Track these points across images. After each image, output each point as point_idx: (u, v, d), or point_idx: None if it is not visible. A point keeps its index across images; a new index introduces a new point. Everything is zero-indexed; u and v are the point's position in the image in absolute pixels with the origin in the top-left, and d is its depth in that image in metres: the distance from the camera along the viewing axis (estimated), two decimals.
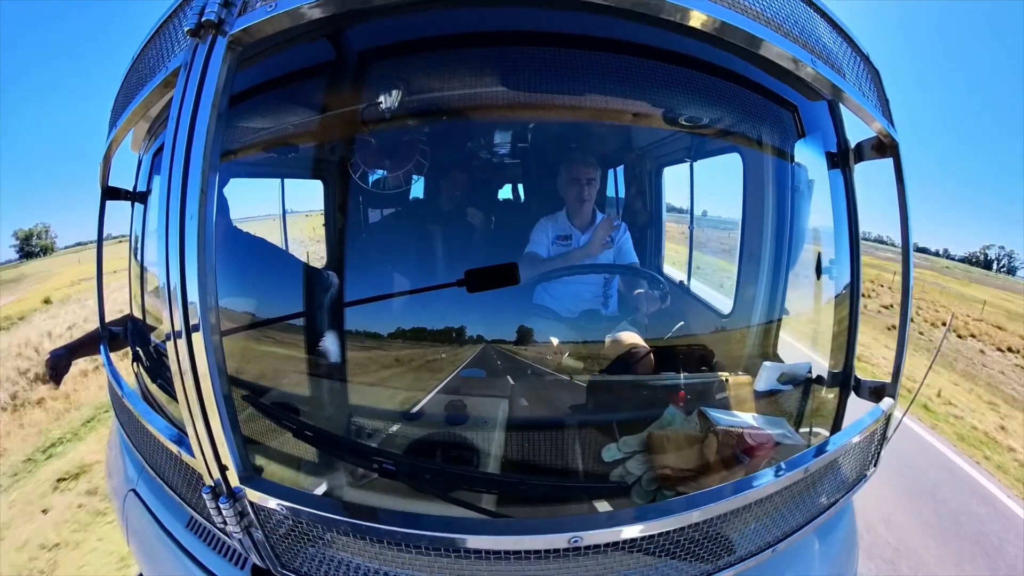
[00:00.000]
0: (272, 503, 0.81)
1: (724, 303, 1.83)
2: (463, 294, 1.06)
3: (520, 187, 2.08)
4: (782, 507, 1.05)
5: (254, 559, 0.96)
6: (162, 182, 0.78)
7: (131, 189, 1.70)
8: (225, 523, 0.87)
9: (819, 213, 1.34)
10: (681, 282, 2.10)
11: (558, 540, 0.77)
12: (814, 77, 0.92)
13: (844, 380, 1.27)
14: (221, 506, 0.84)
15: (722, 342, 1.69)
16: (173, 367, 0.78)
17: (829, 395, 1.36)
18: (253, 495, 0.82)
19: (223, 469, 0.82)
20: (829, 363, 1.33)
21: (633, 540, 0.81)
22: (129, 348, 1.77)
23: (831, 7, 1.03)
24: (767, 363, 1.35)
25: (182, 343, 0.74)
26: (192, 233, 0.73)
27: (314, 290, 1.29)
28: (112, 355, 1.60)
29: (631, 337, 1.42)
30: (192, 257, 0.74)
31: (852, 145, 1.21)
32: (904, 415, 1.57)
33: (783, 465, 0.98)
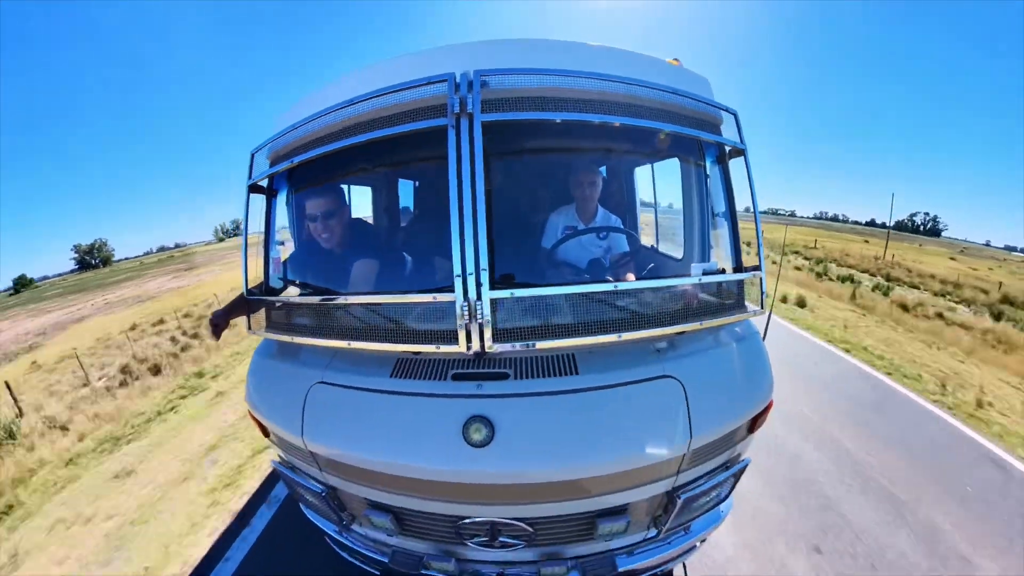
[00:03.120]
0: (506, 293, 1.59)
1: (679, 253, 2.67)
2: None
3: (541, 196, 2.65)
4: (696, 299, 1.86)
5: (474, 345, 1.59)
6: (452, 190, 1.55)
7: (264, 187, 2.27)
8: (474, 316, 1.54)
9: (717, 192, 2.26)
10: (652, 246, 3.00)
11: (607, 286, 1.69)
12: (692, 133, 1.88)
13: (736, 267, 2.05)
14: (475, 304, 1.54)
15: (677, 271, 2.46)
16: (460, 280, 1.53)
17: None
18: (495, 293, 1.57)
19: (479, 286, 1.55)
20: (731, 264, 2.10)
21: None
22: (265, 306, 2.22)
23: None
24: (693, 264, 2.10)
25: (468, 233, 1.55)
26: (482, 219, 1.54)
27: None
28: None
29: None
30: (483, 233, 1.54)
31: (727, 151, 2.10)
32: (774, 294, 2.41)
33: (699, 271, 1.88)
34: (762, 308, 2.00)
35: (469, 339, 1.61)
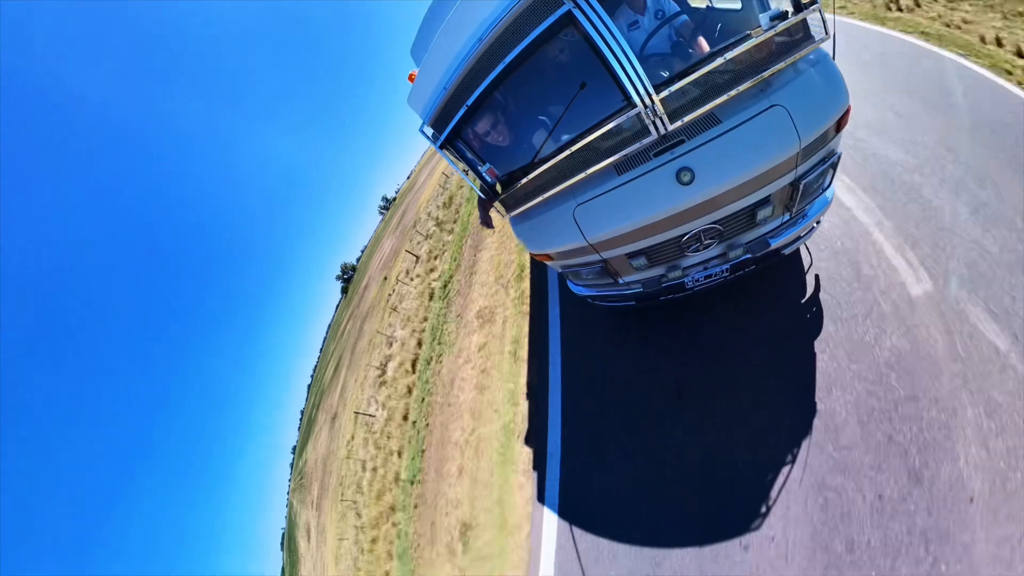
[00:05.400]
0: (664, 92, 2.23)
1: (736, 5, 2.99)
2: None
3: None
4: (774, 43, 2.21)
5: (661, 131, 2.28)
6: (603, 46, 2.10)
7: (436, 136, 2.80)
8: (655, 114, 2.21)
9: None
10: (708, 5, 3.18)
11: (717, 60, 2.19)
12: None
13: (795, 5, 2.22)
14: (651, 107, 2.21)
15: (743, 23, 2.70)
16: (638, 98, 2.20)
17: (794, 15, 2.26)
18: (660, 94, 2.22)
19: (649, 94, 2.21)
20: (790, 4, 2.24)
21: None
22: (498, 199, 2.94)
23: None
24: (760, 15, 2.30)
25: (637, 83, 2.21)
26: (631, 54, 2.15)
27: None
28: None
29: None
30: (636, 62, 2.16)
31: None
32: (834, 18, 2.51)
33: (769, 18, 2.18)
34: (826, 34, 2.34)
35: (657, 129, 2.35)
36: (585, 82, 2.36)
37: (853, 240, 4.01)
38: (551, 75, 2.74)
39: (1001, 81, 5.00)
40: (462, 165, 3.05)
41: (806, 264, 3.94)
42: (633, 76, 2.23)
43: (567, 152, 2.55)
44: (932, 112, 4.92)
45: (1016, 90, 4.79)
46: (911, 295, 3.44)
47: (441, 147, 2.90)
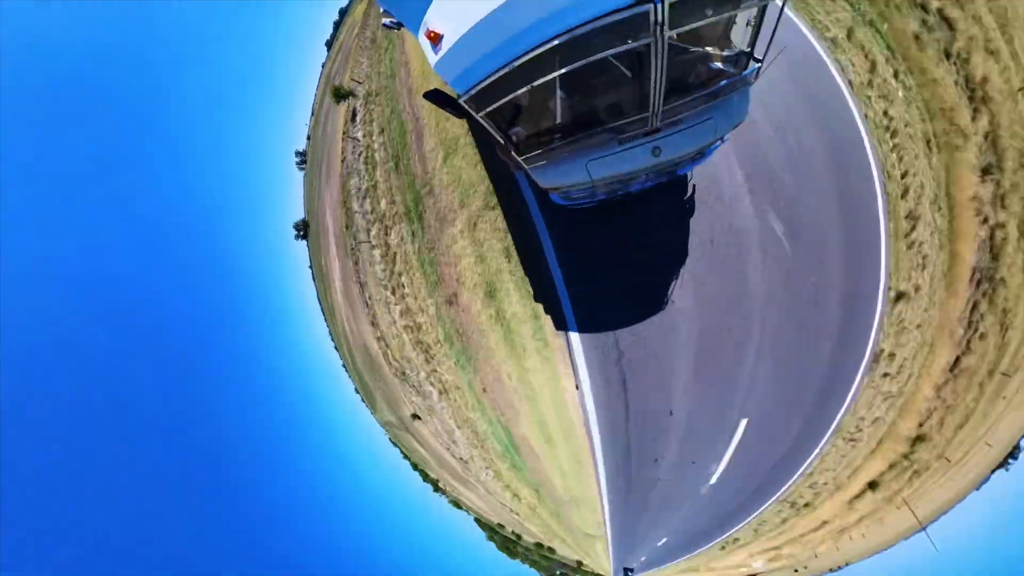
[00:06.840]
0: (668, 105, 4.50)
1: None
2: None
3: None
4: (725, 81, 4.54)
5: (654, 125, 4.60)
6: (654, 70, 3.75)
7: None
8: (656, 117, 4.42)
9: None
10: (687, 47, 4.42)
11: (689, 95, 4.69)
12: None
13: (747, 58, 4.46)
14: (657, 112, 4.43)
15: (712, 37, 4.49)
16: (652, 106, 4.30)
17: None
18: (664, 107, 4.35)
19: (659, 108, 4.41)
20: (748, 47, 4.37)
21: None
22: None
23: None
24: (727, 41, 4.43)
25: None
26: (663, 80, 4.01)
27: None
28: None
29: None
30: (663, 86, 4.06)
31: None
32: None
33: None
34: (756, 78, 4.57)
35: (652, 123, 4.53)
36: (620, 100, 4.34)
37: None
38: (594, 71, 3.71)
39: None
40: (492, 124, 4.30)
41: (689, 177, 13.76)
42: (659, 95, 3.81)
43: (593, 132, 4.53)
44: None
45: None
46: None
47: (484, 117, 4.04)
